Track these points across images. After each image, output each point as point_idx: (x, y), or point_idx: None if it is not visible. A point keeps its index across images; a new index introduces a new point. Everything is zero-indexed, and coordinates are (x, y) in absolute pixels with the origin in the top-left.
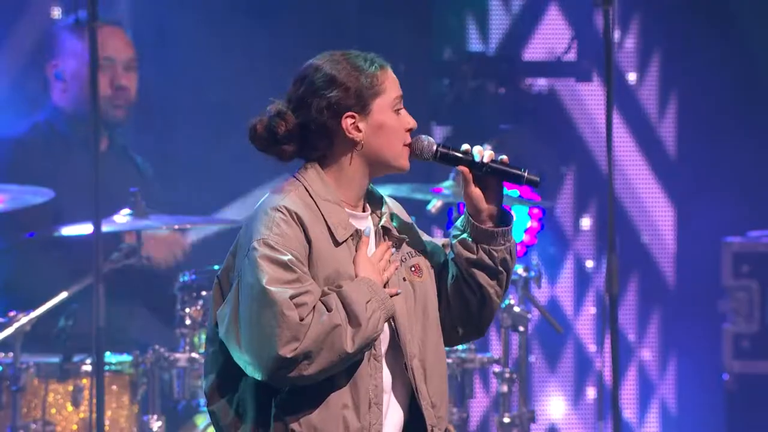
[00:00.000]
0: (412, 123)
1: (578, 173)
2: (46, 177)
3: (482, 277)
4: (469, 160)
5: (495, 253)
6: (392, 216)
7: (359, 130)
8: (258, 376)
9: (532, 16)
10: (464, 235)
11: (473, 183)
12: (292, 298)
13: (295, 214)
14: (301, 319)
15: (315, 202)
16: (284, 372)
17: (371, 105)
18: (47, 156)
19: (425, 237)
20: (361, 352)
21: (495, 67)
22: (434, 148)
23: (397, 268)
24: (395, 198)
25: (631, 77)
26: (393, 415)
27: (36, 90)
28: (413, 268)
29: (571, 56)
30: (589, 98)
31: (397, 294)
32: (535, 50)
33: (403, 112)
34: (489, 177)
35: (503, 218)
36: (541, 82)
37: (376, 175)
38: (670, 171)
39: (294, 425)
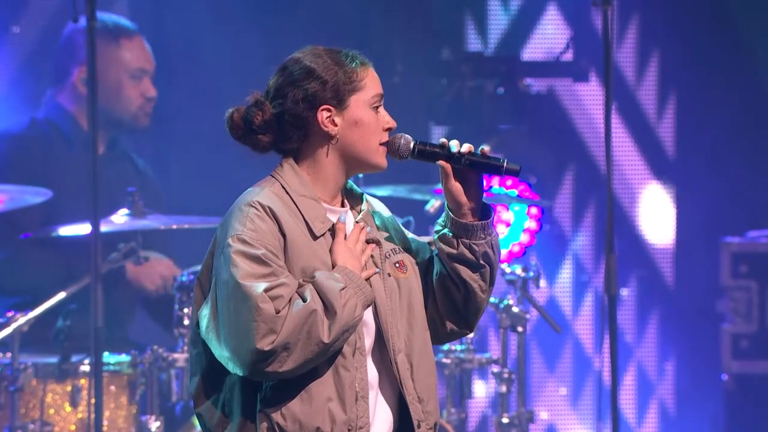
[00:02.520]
0: (391, 122)
1: (577, 173)
2: (44, 175)
3: (465, 272)
4: (447, 154)
5: (476, 247)
6: (373, 213)
7: (335, 125)
8: (239, 372)
9: (531, 16)
10: (445, 231)
11: (453, 177)
12: (266, 291)
13: (269, 208)
14: (277, 312)
15: (291, 198)
16: (263, 365)
17: (348, 100)
18: (44, 154)
19: (410, 235)
20: (339, 341)
21: (493, 67)
22: (411, 145)
23: (373, 250)
24: (394, 198)
25: (630, 77)
26: (382, 410)
27: (34, 88)
28: (398, 265)
29: (570, 56)
30: (587, 98)
31: (375, 273)
32: (533, 50)
33: (383, 111)
34: (469, 170)
35: (484, 212)
36: (539, 82)
37: (354, 173)
38: (669, 171)
39: (279, 420)
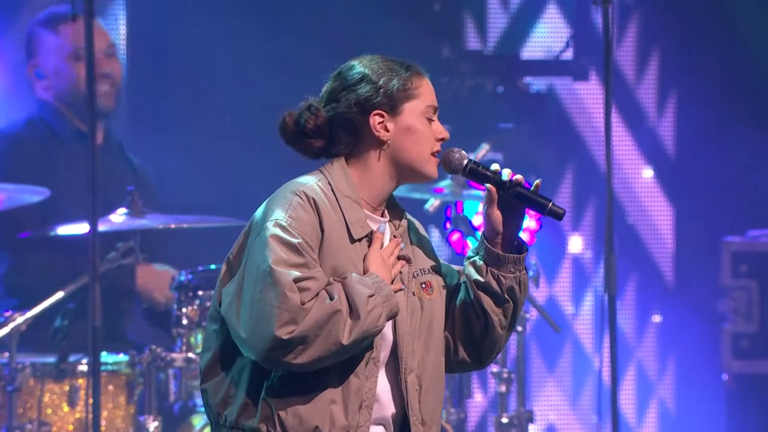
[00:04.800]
0: (444, 134)
1: (577, 172)
2: (43, 174)
3: (488, 303)
4: (497, 180)
5: (503, 280)
6: (410, 231)
7: (387, 130)
8: (252, 356)
9: (530, 14)
10: (476, 257)
11: (497, 204)
12: (296, 281)
13: (313, 200)
14: (303, 303)
15: (335, 197)
16: (277, 354)
17: (402, 107)
18: (43, 152)
19: (441, 261)
20: (357, 345)
21: (493, 65)
22: (465, 162)
23: (402, 266)
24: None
25: (630, 76)
26: (384, 425)
27: (28, 87)
28: (424, 285)
29: (569, 55)
30: (587, 97)
31: (401, 290)
32: (533, 49)
33: (437, 122)
34: (513, 201)
35: (518, 247)
36: (539, 81)
37: (403, 182)
38: (669, 170)
39: (280, 411)
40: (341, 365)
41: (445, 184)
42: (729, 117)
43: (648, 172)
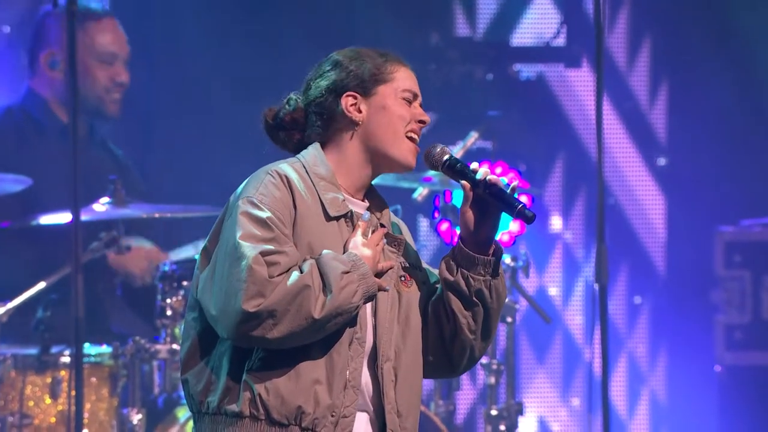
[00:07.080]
0: (424, 116)
1: (567, 160)
2: (20, 164)
3: (455, 304)
4: (472, 177)
5: (472, 281)
6: (393, 224)
7: (359, 111)
8: (224, 334)
9: (521, 0)
10: (450, 256)
11: (471, 203)
12: (264, 254)
13: (286, 178)
14: (271, 277)
15: (311, 179)
16: (247, 328)
17: (375, 89)
18: (21, 142)
19: (424, 264)
20: (332, 323)
21: (483, 52)
22: (445, 157)
23: (392, 266)
24: (381, 186)
25: (621, 63)
26: (363, 416)
27: (10, 75)
28: (403, 278)
29: (560, 41)
30: (578, 84)
31: (385, 290)
32: (523, 35)
33: (417, 106)
34: (488, 201)
35: (495, 251)
36: (529, 68)
37: (379, 168)
38: (661, 158)
39: (261, 391)
40: (324, 344)
41: (434, 173)
42: (721, 104)
43: (639, 161)
